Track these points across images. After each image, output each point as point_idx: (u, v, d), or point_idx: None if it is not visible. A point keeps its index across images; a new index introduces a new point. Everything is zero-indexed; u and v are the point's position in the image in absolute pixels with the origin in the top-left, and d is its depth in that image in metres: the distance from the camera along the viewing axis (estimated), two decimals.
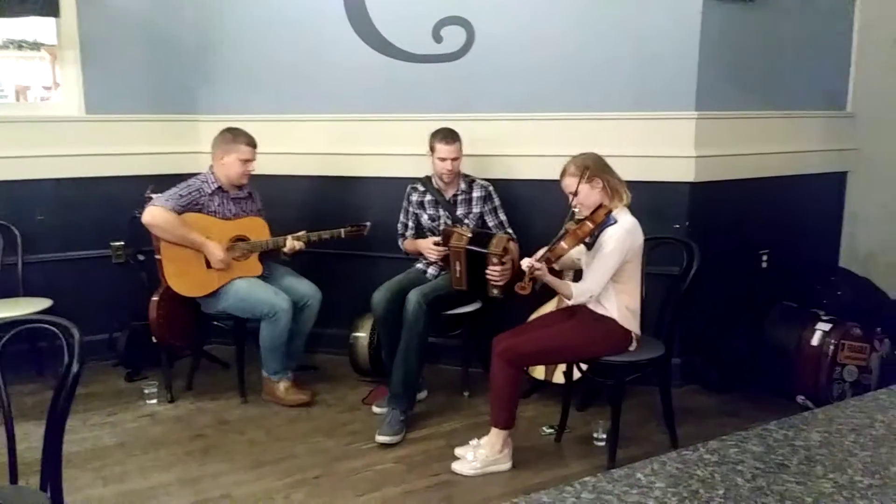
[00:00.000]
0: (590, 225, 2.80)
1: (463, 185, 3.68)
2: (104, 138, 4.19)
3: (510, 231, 3.65)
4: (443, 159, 3.56)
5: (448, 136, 3.55)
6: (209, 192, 3.59)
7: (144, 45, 4.26)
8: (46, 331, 1.98)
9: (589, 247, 2.85)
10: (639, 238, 2.90)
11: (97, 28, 4.12)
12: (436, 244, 3.58)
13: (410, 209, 3.79)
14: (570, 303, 2.91)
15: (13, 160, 4.00)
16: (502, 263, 3.32)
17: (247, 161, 3.61)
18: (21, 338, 2.01)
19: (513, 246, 3.50)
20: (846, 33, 4.17)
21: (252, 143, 3.63)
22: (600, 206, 2.87)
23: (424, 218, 3.75)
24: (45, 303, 3.80)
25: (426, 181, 3.71)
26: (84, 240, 4.19)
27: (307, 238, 3.68)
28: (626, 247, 2.83)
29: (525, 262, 2.76)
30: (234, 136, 3.61)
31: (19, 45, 4.35)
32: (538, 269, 2.73)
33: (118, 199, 4.09)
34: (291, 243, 3.65)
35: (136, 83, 4.26)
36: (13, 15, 3.95)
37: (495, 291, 3.38)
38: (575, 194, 2.90)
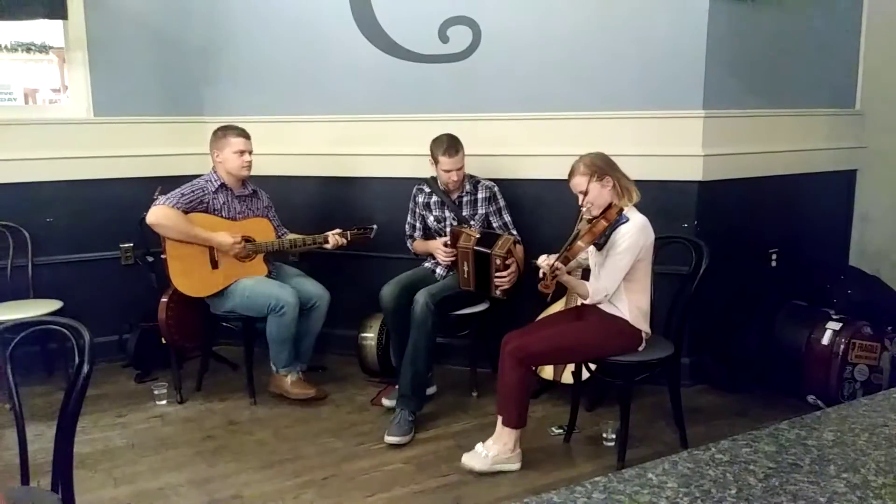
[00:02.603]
0: (604, 223, 2.78)
1: (468, 187, 3.68)
2: (112, 140, 4.21)
3: (514, 232, 3.64)
4: (447, 171, 3.55)
5: (450, 147, 3.52)
6: (213, 190, 3.60)
7: (151, 48, 4.28)
8: (57, 332, 1.99)
9: (599, 247, 2.84)
10: (650, 236, 2.89)
11: (104, 30, 4.14)
12: (445, 245, 3.58)
13: (417, 210, 3.80)
14: (586, 302, 2.90)
15: (22, 162, 4.02)
16: (506, 266, 3.32)
17: (242, 152, 3.60)
18: (31, 339, 2.01)
19: (518, 248, 3.49)
20: (854, 30, 4.15)
21: (243, 134, 3.63)
22: (611, 204, 2.86)
23: (430, 219, 3.75)
24: (55, 304, 3.82)
25: (432, 182, 3.71)
26: (93, 241, 4.21)
27: (348, 235, 3.69)
28: (640, 244, 2.83)
29: (543, 262, 2.74)
30: (225, 132, 3.63)
31: (27, 47, 4.38)
32: (558, 269, 2.73)
33: (127, 200, 4.11)
34: (336, 239, 3.66)
35: (144, 85, 4.28)
36: (21, 18, 3.97)
37: (498, 293, 3.39)
38: (585, 193, 2.89)
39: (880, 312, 3.61)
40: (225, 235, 3.52)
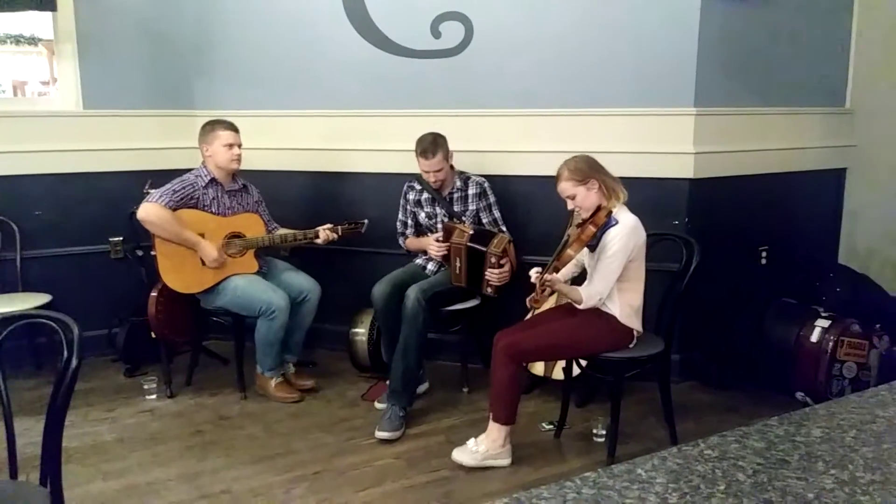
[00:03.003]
0: (592, 228, 2.79)
1: (459, 183, 3.67)
2: (102, 133, 4.19)
3: (504, 229, 3.64)
4: (425, 172, 3.56)
5: (427, 150, 3.50)
6: (203, 185, 3.58)
7: (142, 40, 4.25)
8: (45, 326, 1.98)
9: (592, 249, 2.84)
10: (641, 236, 2.89)
11: (94, 23, 4.11)
12: (437, 241, 3.58)
13: (408, 207, 3.79)
14: (579, 307, 2.91)
15: (11, 155, 3.99)
16: (500, 265, 3.32)
17: (231, 145, 3.59)
18: (20, 333, 2.00)
19: (511, 247, 3.49)
20: (845, 29, 4.17)
21: (232, 128, 3.62)
22: (599, 207, 2.86)
23: (422, 216, 3.75)
24: (43, 298, 3.79)
25: (422, 179, 3.70)
26: (82, 235, 4.19)
27: (339, 230, 3.68)
28: (630, 246, 2.83)
29: (534, 276, 2.74)
30: (213, 126, 3.62)
31: (16, 39, 4.35)
32: (549, 281, 2.73)
33: (116, 194, 4.09)
34: (326, 234, 3.65)
35: (134, 78, 4.26)
36: (10, 9, 3.94)
37: (489, 290, 3.39)
38: (572, 198, 2.90)
39: (869, 310, 3.63)
40: (211, 248, 3.50)
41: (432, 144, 3.50)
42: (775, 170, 3.95)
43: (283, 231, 3.79)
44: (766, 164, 3.91)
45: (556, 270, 2.79)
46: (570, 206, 2.93)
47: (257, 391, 3.70)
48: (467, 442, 3.01)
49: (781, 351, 3.55)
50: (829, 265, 4.17)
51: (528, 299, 2.79)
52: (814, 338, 3.46)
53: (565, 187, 2.91)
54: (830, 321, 3.47)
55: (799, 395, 3.51)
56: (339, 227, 3.71)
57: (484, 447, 2.96)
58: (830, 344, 3.41)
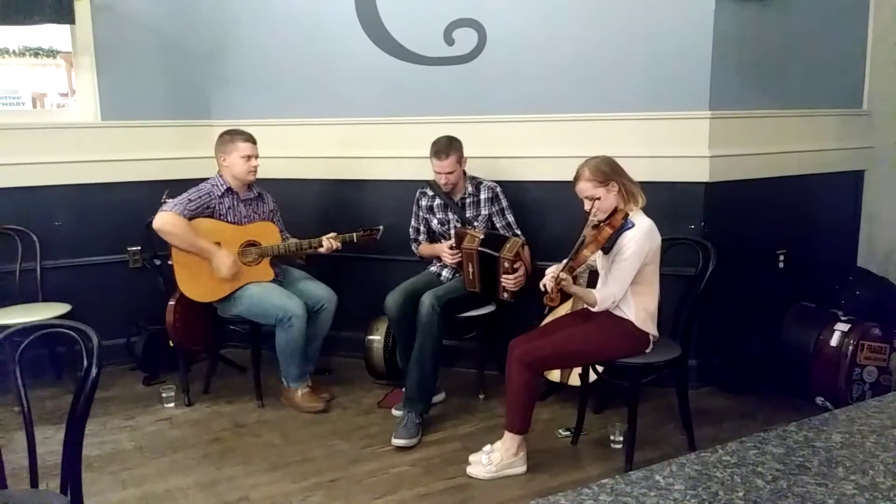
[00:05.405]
0: (609, 230, 2.78)
1: (470, 188, 3.67)
2: (120, 144, 4.23)
3: (518, 232, 3.64)
4: (437, 173, 3.58)
5: (441, 151, 3.52)
6: (219, 194, 3.61)
7: (159, 52, 4.30)
8: (65, 335, 2.00)
9: (606, 251, 2.83)
10: (657, 240, 2.88)
11: (112, 35, 4.16)
12: (450, 248, 3.58)
13: (421, 214, 3.80)
14: (593, 310, 2.89)
15: (31, 167, 4.05)
16: (514, 270, 3.32)
17: (249, 157, 3.62)
18: (40, 342, 2.02)
19: (525, 250, 3.49)
20: (861, 30, 4.13)
21: (250, 139, 3.65)
22: (616, 209, 2.85)
23: (434, 222, 3.75)
24: (63, 308, 3.83)
25: (434, 185, 3.71)
26: (101, 245, 4.23)
27: (342, 238, 3.69)
28: (646, 250, 2.82)
29: (549, 275, 2.74)
30: (232, 136, 3.65)
31: (35, 52, 4.40)
32: (564, 281, 2.72)
33: (134, 204, 4.13)
34: (329, 243, 3.66)
35: (151, 89, 4.30)
36: (29, 22, 3.99)
37: (506, 295, 3.39)
38: (590, 199, 2.89)
39: (889, 313, 3.59)
40: (225, 257, 3.52)
41: (446, 146, 3.53)
42: (792, 172, 3.92)
43: (291, 240, 3.81)
44: (783, 167, 3.88)
45: (572, 270, 2.78)
46: (587, 206, 2.92)
47: (283, 404, 3.70)
48: (482, 449, 3.00)
49: (800, 355, 3.52)
50: (847, 268, 4.13)
51: (544, 298, 2.76)
52: (833, 342, 3.43)
53: (584, 187, 2.90)
54: (850, 325, 3.43)
55: (818, 399, 3.48)
56: (355, 233, 3.72)
57: (498, 456, 2.95)
58: (850, 348, 3.37)
